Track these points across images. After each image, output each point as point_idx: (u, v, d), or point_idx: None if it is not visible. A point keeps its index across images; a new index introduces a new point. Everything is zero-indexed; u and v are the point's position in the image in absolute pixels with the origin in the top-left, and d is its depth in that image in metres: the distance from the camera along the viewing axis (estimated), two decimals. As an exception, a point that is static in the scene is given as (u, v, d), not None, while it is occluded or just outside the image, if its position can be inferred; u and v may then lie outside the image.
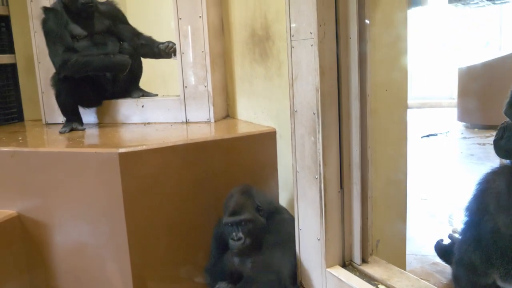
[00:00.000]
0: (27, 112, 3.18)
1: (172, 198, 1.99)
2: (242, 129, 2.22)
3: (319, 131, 1.45)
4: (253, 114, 2.32)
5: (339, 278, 1.44)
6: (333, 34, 1.45)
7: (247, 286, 1.70)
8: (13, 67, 3.13)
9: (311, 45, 1.44)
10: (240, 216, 1.71)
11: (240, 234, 1.69)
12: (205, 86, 2.43)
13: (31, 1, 2.78)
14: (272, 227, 1.75)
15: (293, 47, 1.54)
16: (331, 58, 1.45)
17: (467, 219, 1.20)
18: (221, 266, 1.80)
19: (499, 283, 1.17)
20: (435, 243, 1.65)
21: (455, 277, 1.26)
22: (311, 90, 1.47)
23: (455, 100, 7.63)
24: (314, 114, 1.46)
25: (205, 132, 2.25)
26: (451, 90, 9.41)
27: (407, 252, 1.91)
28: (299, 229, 1.61)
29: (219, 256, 1.84)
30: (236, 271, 1.74)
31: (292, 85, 1.56)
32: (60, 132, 2.51)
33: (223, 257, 1.80)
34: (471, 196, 1.22)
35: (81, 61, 2.46)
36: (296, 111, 1.56)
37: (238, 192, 1.79)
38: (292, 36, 1.53)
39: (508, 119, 1.23)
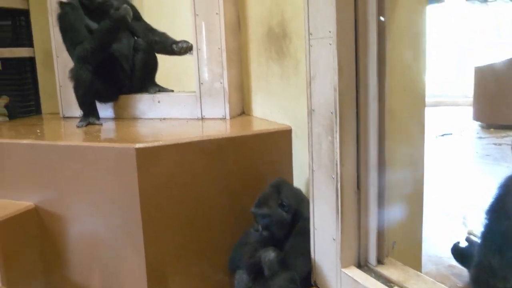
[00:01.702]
0: (45, 105, 3.21)
1: (188, 194, 2.00)
2: (258, 127, 2.22)
3: (336, 131, 1.44)
4: (269, 112, 2.32)
5: (354, 279, 1.44)
6: (352, 33, 1.44)
7: (263, 282, 1.71)
8: (31, 60, 3.16)
9: (330, 44, 1.44)
10: (259, 210, 1.79)
11: (259, 226, 1.78)
12: (221, 83, 2.43)
13: (50, -5, 2.80)
14: (298, 228, 1.77)
15: (311, 46, 1.53)
16: (349, 57, 1.44)
17: (487, 222, 1.19)
18: (245, 254, 1.83)
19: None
20: (451, 245, 1.63)
21: (474, 281, 1.25)
22: (329, 89, 1.46)
23: (470, 99, 7.54)
24: (332, 113, 1.45)
25: (220, 129, 2.26)
26: (467, 88, 9.31)
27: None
28: (314, 228, 1.61)
29: (245, 244, 1.88)
30: (256, 262, 1.76)
31: (310, 84, 1.55)
32: (78, 126, 2.53)
33: (250, 246, 1.83)
34: (492, 200, 1.20)
35: (93, 43, 2.48)
36: (313, 110, 1.55)
37: (269, 186, 1.87)
38: (311, 34, 1.52)
39: None
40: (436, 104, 8.94)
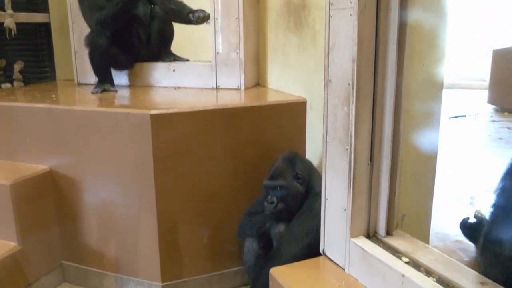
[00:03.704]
0: (60, 71, 3.23)
1: (201, 162, 2.02)
2: (273, 98, 2.22)
3: (352, 102, 1.45)
4: (284, 83, 2.32)
5: (363, 249, 1.46)
6: (374, 4, 1.42)
7: (273, 253, 1.74)
8: (46, 26, 3.16)
9: (350, 15, 1.42)
10: (275, 182, 1.79)
11: (274, 199, 1.79)
12: (237, 53, 2.43)
13: (67, -40, 2.79)
14: (310, 198, 1.79)
15: (331, 16, 1.52)
16: (370, 29, 1.43)
17: (499, 191, 1.20)
18: (255, 224, 1.85)
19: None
20: (461, 220, 1.64)
21: (481, 250, 1.27)
22: (347, 60, 1.46)
23: (486, 82, 7.44)
24: (349, 85, 1.45)
25: (235, 99, 2.26)
26: (483, 72, 9.17)
27: (429, 229, 1.91)
28: (325, 198, 1.62)
29: (255, 213, 1.91)
30: (266, 233, 1.79)
31: (328, 55, 1.55)
32: (92, 92, 2.55)
33: (260, 216, 1.86)
34: (505, 169, 1.21)
35: (115, 8, 2.47)
36: (330, 81, 1.55)
37: (281, 158, 1.86)
38: (331, 4, 1.51)
39: None
40: (451, 86, 8.83)
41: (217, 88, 2.53)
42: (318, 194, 1.72)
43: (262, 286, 1.71)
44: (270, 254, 1.77)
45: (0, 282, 1.99)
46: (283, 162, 1.85)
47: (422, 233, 1.79)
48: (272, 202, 1.79)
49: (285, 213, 1.80)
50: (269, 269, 1.60)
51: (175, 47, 2.91)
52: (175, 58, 2.79)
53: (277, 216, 1.81)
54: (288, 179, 1.80)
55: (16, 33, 2.84)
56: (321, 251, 1.67)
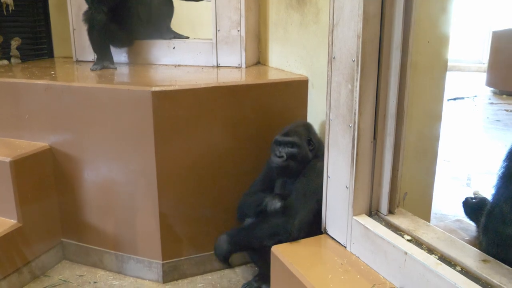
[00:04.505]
0: (58, 48, 3.19)
1: (202, 140, 2.01)
2: (274, 76, 2.20)
3: (357, 79, 1.43)
4: (286, 61, 2.29)
5: (365, 226, 1.46)
6: (380, -20, 1.40)
7: (265, 220, 1.75)
8: (44, 2, 3.11)
9: (356, -10, 1.40)
10: (289, 137, 1.79)
11: (283, 153, 1.78)
12: (238, 31, 2.40)
13: None
14: (312, 169, 1.78)
15: (336, -8, 1.49)
16: (375, 5, 1.41)
17: (502, 170, 1.20)
18: (252, 203, 1.84)
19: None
20: (463, 199, 1.65)
21: (484, 228, 1.27)
22: (352, 37, 1.44)
23: (485, 65, 7.42)
24: (353, 61, 1.44)
25: (236, 77, 2.24)
26: (482, 54, 9.14)
27: (427, 210, 1.92)
28: (327, 176, 1.62)
29: (256, 192, 1.90)
30: (263, 211, 1.78)
31: (332, 31, 1.53)
32: (92, 69, 2.52)
33: (257, 195, 1.85)
34: (509, 148, 1.21)
35: None
36: (334, 58, 1.53)
37: (298, 122, 1.88)
38: (336, -20, 1.48)
39: None
40: (449, 69, 8.80)
41: (217, 66, 2.50)
42: (320, 158, 1.73)
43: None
44: (278, 210, 1.75)
45: (0, 260, 2.00)
46: (299, 125, 1.85)
47: (423, 212, 1.79)
48: (281, 156, 1.77)
49: (289, 172, 1.79)
50: (277, 221, 1.67)
51: (174, 25, 2.87)
52: (175, 35, 2.76)
53: (282, 172, 1.80)
54: (302, 140, 1.80)
55: (13, 8, 2.79)
56: (322, 229, 1.67)
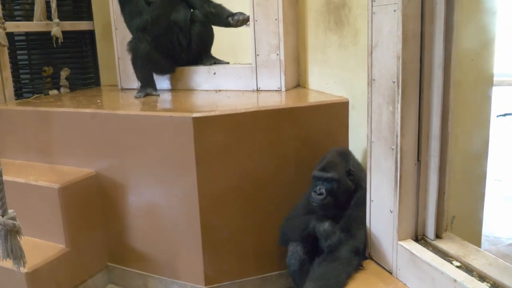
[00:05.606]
0: (104, 77, 3.31)
1: (243, 164, 2.02)
2: (314, 99, 2.19)
3: (398, 101, 1.41)
4: (325, 84, 2.28)
5: (411, 252, 1.41)
6: (419, -1, 1.38)
7: (324, 256, 1.69)
8: (91, 33, 3.26)
9: (394, 11, 1.39)
10: (327, 173, 1.72)
11: (323, 190, 1.70)
12: (277, 55, 2.42)
13: (110, -31, 2.86)
14: (358, 197, 1.73)
15: (374, 13, 1.48)
16: (415, 25, 1.39)
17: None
18: (297, 226, 1.81)
19: None
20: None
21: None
22: (391, 58, 1.42)
23: (536, 79, 7.10)
24: (394, 82, 1.41)
25: (276, 100, 2.25)
26: (533, 68, 8.77)
27: (479, 233, 1.83)
28: (371, 200, 1.58)
29: (298, 215, 1.86)
30: (310, 234, 1.73)
31: (371, 53, 1.51)
32: (135, 97, 2.60)
33: (301, 218, 1.81)
34: None
35: (153, 14, 2.53)
36: (374, 80, 1.52)
37: (334, 151, 1.80)
38: (374, 1, 1.48)
39: None
40: (498, 84, 8.47)
41: (257, 90, 2.52)
42: (364, 187, 1.67)
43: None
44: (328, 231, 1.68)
45: (48, 284, 2.05)
46: (336, 156, 1.78)
47: (473, 236, 1.72)
48: (320, 194, 1.70)
49: (331, 208, 1.71)
50: (343, 253, 1.58)
51: (215, 51, 2.92)
52: (215, 61, 2.81)
53: (323, 209, 1.72)
54: (341, 173, 1.73)
55: (62, 41, 2.94)
56: (367, 255, 1.63)
